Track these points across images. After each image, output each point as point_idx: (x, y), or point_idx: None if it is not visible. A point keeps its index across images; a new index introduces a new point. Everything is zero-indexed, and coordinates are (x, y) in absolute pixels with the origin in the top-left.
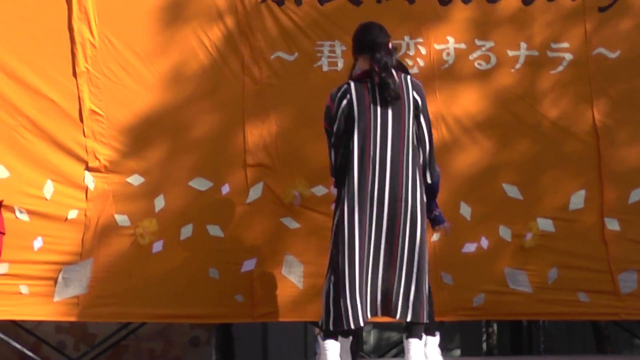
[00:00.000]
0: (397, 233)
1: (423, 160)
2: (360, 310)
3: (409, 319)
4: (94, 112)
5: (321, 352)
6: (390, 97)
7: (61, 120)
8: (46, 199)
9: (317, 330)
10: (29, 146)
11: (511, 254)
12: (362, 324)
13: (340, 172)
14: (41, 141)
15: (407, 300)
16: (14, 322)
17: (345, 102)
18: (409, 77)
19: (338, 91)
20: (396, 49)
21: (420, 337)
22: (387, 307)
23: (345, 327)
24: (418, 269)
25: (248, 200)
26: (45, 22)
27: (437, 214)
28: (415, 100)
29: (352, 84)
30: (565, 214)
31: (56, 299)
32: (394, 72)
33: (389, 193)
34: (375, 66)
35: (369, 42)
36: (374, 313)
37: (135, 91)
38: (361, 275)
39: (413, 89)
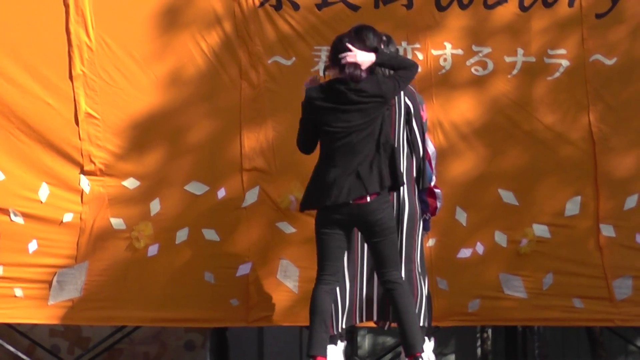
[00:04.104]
0: None
1: (416, 166)
2: (351, 311)
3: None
4: (89, 115)
5: None
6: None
7: (57, 123)
8: (41, 202)
9: None
10: (24, 149)
11: (506, 260)
12: (344, 326)
13: None
14: (36, 144)
15: None
16: (8, 325)
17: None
18: None
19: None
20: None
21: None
22: (384, 312)
23: (334, 331)
24: (413, 273)
25: (244, 205)
26: (42, 25)
27: (427, 218)
28: (407, 106)
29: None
30: (560, 220)
31: (51, 302)
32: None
33: None
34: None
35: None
36: (369, 318)
37: (132, 95)
38: (353, 280)
39: (405, 95)
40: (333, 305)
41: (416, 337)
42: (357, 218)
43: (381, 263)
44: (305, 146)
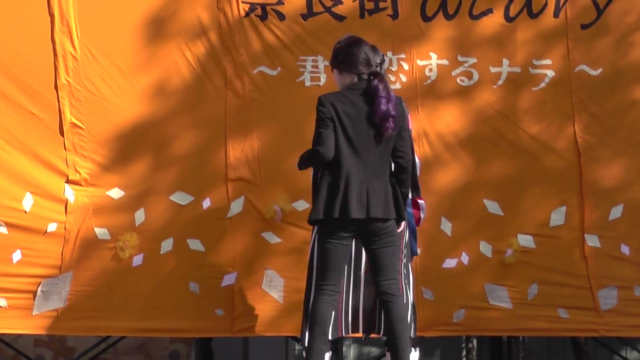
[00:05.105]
0: None
1: None
2: (337, 323)
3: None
4: (74, 125)
5: None
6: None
7: (41, 132)
8: (25, 212)
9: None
10: (8, 158)
11: (491, 270)
12: (330, 337)
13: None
14: (21, 153)
15: None
16: None
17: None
18: None
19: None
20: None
21: None
22: (371, 325)
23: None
24: (399, 283)
25: (229, 215)
26: (27, 34)
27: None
28: None
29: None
30: (545, 230)
31: (35, 312)
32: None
33: None
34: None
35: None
36: (355, 330)
37: (117, 105)
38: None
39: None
40: None
41: (406, 353)
42: (366, 227)
43: (380, 271)
44: (330, 148)
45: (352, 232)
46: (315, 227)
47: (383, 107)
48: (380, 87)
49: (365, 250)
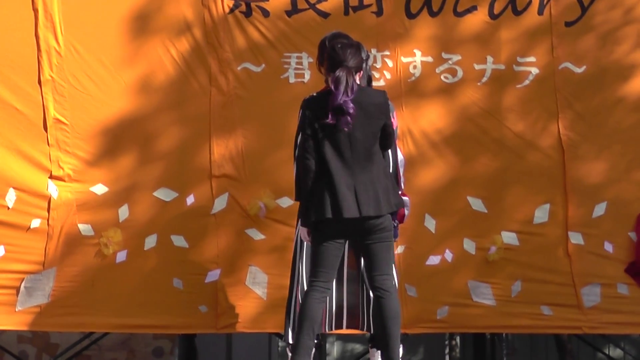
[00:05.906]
0: None
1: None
2: (321, 319)
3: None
4: (58, 120)
5: None
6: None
7: (25, 128)
8: (8, 208)
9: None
10: None
11: (475, 267)
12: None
13: None
14: (4, 149)
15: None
16: None
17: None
18: None
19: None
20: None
21: None
22: (355, 320)
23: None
24: None
25: (213, 211)
26: (10, 30)
27: (395, 225)
28: None
29: None
30: (529, 228)
31: (18, 308)
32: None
33: None
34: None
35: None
36: (338, 326)
37: (101, 100)
38: None
39: None
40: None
41: (396, 351)
42: (360, 226)
43: (374, 266)
44: (313, 161)
45: (345, 232)
46: (299, 224)
47: (337, 100)
48: (342, 77)
49: (360, 245)
